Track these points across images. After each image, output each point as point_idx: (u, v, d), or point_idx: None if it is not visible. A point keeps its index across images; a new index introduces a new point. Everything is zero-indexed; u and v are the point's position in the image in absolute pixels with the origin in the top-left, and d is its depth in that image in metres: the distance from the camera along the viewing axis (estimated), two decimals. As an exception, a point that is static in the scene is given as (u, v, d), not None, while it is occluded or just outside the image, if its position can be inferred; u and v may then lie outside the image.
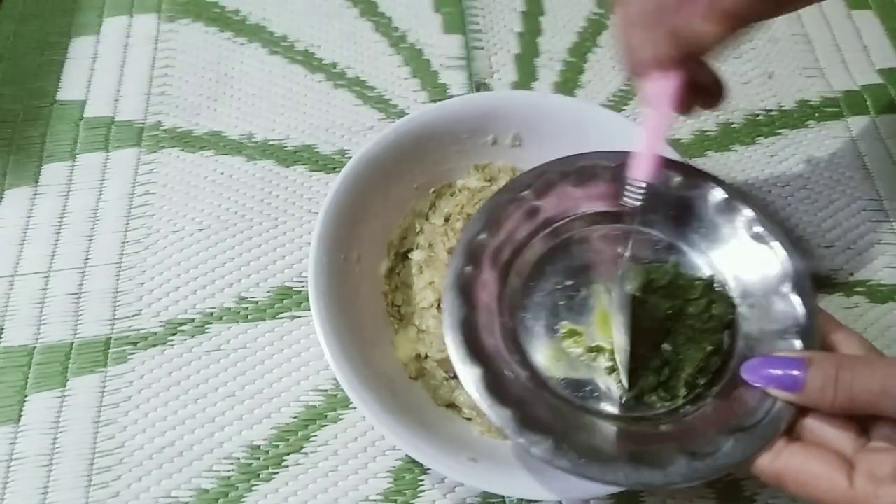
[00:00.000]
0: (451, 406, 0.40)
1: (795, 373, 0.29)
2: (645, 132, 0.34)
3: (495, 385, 0.33)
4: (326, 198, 0.41)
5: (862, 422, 0.29)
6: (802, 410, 0.30)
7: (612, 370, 0.35)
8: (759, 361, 0.31)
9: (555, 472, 0.36)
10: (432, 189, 0.46)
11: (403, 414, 0.36)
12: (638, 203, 0.35)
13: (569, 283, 0.38)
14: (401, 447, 0.35)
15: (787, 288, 0.34)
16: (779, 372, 0.29)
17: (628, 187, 0.35)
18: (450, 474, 0.35)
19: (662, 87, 0.32)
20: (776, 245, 0.36)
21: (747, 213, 0.37)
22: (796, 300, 0.34)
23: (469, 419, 0.40)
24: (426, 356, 0.41)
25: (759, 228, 0.36)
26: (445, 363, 0.40)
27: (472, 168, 0.47)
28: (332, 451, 0.41)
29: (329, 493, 0.40)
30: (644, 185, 0.34)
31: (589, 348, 0.36)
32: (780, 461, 0.29)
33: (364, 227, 0.43)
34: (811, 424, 0.29)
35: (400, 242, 0.45)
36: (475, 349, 0.34)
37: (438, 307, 0.41)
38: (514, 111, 0.46)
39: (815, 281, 0.35)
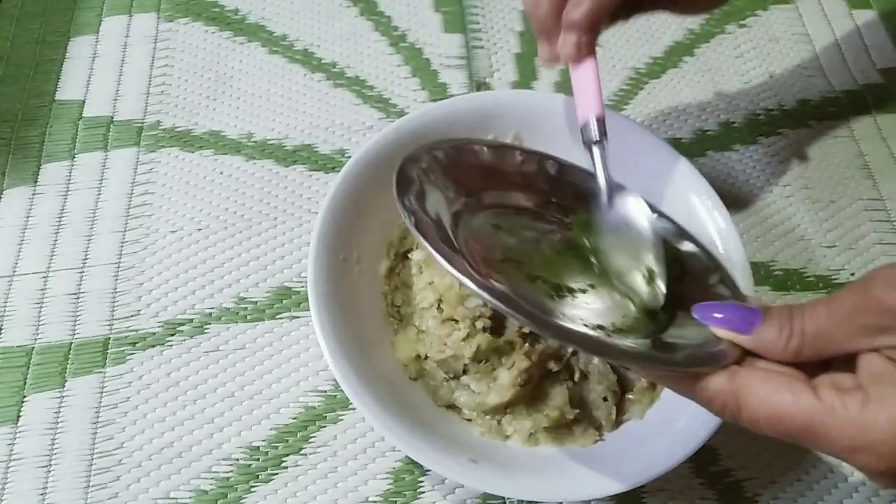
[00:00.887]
0: (451, 407, 0.40)
1: (750, 316, 0.28)
2: (583, 86, 0.38)
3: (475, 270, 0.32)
4: (326, 198, 0.41)
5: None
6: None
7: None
8: (713, 304, 0.30)
9: (555, 473, 0.37)
10: None
11: (403, 415, 0.36)
12: (600, 138, 0.37)
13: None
14: (401, 448, 0.35)
15: (714, 279, 0.37)
16: (733, 314, 0.29)
17: (585, 127, 0.38)
18: (450, 475, 0.35)
19: (587, 67, 0.38)
20: (693, 246, 0.39)
21: (668, 225, 0.40)
22: (725, 290, 0.36)
23: (469, 420, 0.40)
24: (426, 357, 0.41)
25: (679, 236, 0.39)
26: (445, 364, 0.40)
27: None
28: (331, 452, 0.41)
29: (328, 495, 0.40)
30: (600, 119, 0.37)
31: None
32: (740, 378, 0.27)
33: (364, 227, 0.42)
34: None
35: (400, 242, 0.44)
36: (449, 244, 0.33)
37: (439, 307, 0.41)
38: (514, 111, 0.46)
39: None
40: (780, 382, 0.26)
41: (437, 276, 0.42)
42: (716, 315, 0.29)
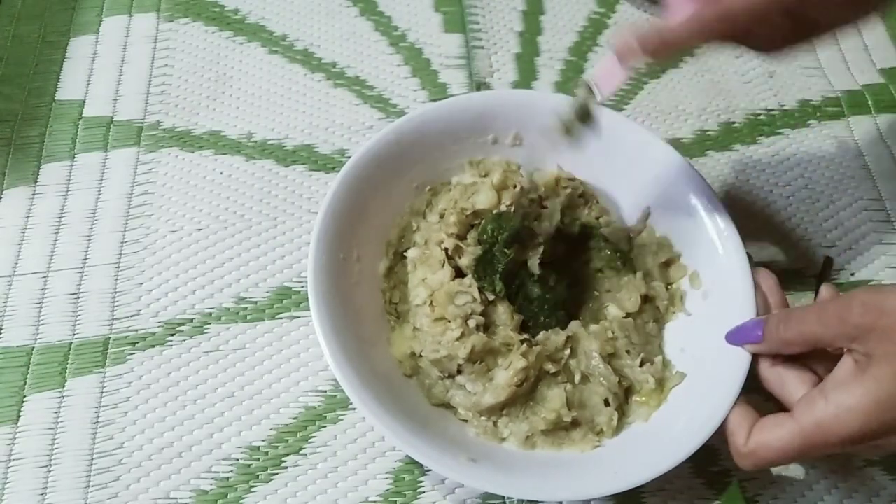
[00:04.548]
0: (445, 406, 0.40)
1: (756, 328, 0.37)
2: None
3: None
4: (325, 197, 0.41)
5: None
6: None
7: None
8: (734, 330, 0.38)
9: (555, 472, 0.37)
10: (429, 187, 0.46)
11: (402, 414, 0.36)
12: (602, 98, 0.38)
13: None
14: (402, 448, 0.35)
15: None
16: (744, 330, 0.37)
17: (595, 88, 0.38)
18: (450, 475, 0.35)
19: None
20: None
21: None
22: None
23: (465, 421, 0.39)
24: (420, 354, 0.40)
25: None
26: (439, 363, 0.39)
27: (466, 164, 0.46)
28: (331, 452, 0.41)
29: (328, 495, 0.40)
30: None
31: None
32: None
33: (363, 226, 0.42)
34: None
35: (398, 241, 0.44)
36: None
37: (431, 304, 0.41)
38: (515, 110, 0.46)
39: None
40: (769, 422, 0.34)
41: (429, 273, 0.42)
42: (733, 335, 0.38)
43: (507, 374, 0.38)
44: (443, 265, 0.41)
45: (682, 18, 0.33)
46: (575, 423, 0.39)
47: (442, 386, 0.40)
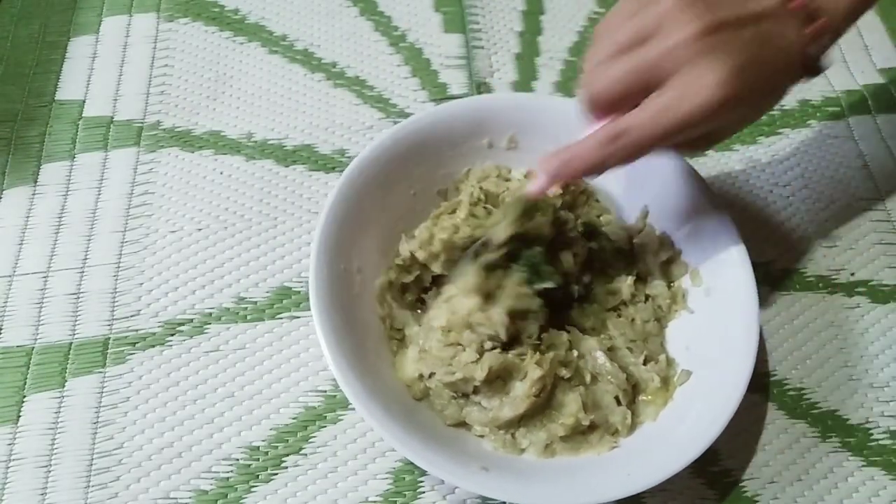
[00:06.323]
0: (461, 425, 0.39)
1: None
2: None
3: None
4: (323, 208, 0.40)
5: None
6: None
7: None
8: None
9: (569, 477, 0.36)
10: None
11: (415, 429, 0.36)
12: None
13: None
14: (413, 461, 0.35)
15: None
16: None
17: None
18: (463, 485, 0.35)
19: None
20: None
21: None
22: None
23: (482, 436, 0.39)
24: (430, 375, 0.39)
25: None
26: (454, 385, 0.38)
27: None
28: (331, 452, 0.41)
29: (328, 495, 0.40)
30: None
31: None
32: None
33: (363, 235, 0.42)
34: None
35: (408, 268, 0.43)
36: None
37: (447, 330, 0.39)
38: (510, 113, 0.46)
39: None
40: None
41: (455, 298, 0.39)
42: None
43: (524, 385, 0.38)
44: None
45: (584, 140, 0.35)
46: (592, 426, 0.38)
47: (455, 406, 0.39)
